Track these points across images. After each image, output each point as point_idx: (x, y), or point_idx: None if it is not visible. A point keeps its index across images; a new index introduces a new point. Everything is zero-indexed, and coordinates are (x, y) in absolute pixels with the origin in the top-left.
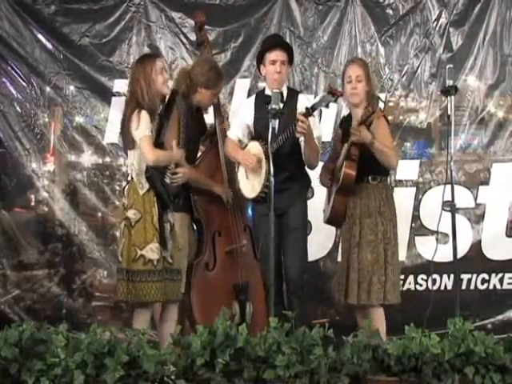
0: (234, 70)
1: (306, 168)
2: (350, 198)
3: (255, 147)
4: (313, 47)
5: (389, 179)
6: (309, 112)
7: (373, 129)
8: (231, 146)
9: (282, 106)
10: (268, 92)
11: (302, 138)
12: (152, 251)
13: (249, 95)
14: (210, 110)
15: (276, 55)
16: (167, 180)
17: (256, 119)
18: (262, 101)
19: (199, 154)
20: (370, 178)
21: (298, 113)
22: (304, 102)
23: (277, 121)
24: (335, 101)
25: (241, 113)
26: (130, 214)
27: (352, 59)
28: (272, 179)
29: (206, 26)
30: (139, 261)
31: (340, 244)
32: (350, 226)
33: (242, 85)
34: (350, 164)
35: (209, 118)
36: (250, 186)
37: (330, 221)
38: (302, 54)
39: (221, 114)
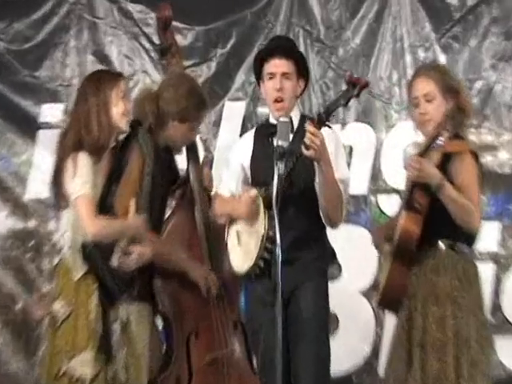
0: (221, 89)
1: (325, 226)
2: (412, 269)
3: (252, 194)
4: (339, 54)
5: (467, 248)
6: (322, 119)
7: (452, 168)
8: (219, 202)
9: (291, 138)
10: (273, 121)
11: (317, 179)
12: (83, 365)
13: (244, 126)
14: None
15: (274, 66)
16: (115, 262)
17: (255, 160)
18: (264, 134)
19: (167, 215)
20: (441, 242)
21: (307, 124)
22: (327, 135)
23: (282, 167)
24: (358, 94)
25: (235, 155)
26: (57, 306)
27: (417, 70)
28: (278, 239)
29: (177, 24)
30: (63, 379)
31: (392, 343)
32: (409, 312)
33: (233, 110)
34: (412, 217)
35: (183, 160)
36: (242, 253)
37: (382, 302)
38: (322, 64)
39: (197, 156)
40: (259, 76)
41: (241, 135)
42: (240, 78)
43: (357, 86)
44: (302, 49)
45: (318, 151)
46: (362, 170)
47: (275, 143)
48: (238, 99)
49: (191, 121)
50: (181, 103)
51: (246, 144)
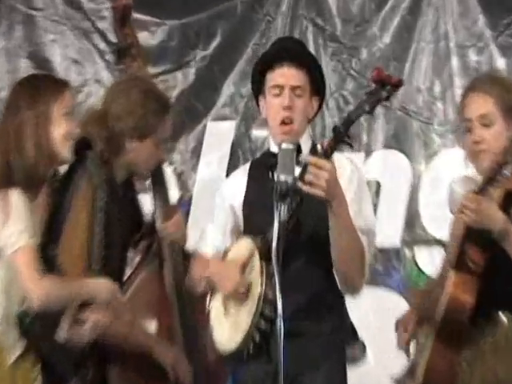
0: (202, 105)
1: (340, 290)
2: (462, 350)
3: (243, 247)
4: (361, 58)
5: None
6: (340, 133)
7: None
8: (200, 265)
9: (298, 175)
10: (274, 149)
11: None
12: None
13: (233, 154)
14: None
15: (282, 76)
16: (62, 335)
17: (249, 200)
18: (262, 167)
19: (128, 273)
20: (502, 314)
21: (308, 155)
22: (345, 166)
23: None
24: (388, 97)
25: (223, 195)
26: None
27: (471, 84)
28: (279, 304)
29: (141, 17)
30: None
31: None
32: None
33: (218, 133)
34: (463, 279)
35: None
36: (230, 325)
37: None
38: (339, 70)
39: (165, 192)
40: (259, 89)
41: (229, 167)
42: (228, 89)
43: (387, 86)
44: (309, 46)
45: (325, 189)
46: (393, 215)
47: (276, 180)
48: (224, 118)
49: (154, 133)
50: (135, 113)
51: (238, 181)
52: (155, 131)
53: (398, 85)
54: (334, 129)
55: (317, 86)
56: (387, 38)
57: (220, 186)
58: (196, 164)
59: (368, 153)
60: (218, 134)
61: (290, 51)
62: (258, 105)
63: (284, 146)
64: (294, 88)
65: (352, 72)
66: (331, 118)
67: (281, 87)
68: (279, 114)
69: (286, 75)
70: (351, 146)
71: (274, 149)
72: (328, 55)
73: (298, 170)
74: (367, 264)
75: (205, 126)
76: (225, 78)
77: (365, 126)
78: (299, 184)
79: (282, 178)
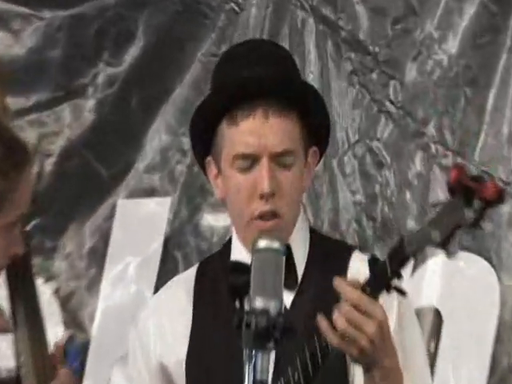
0: (107, 169)
1: None
2: None
3: None
4: (405, 79)
5: None
6: (385, 275)
7: None
8: None
9: (290, 302)
10: (241, 256)
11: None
12: None
13: (166, 258)
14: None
15: (254, 133)
16: None
17: (198, 349)
18: (218, 286)
19: None
20: None
21: (339, 281)
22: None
23: (271, 355)
24: (476, 223)
25: (147, 344)
26: None
27: None
28: None
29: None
30: None
31: None
32: None
33: (137, 218)
34: None
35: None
36: None
37: None
38: (365, 103)
39: (36, 320)
40: (205, 150)
41: (159, 281)
42: (156, 139)
43: (473, 200)
44: (311, 58)
45: (365, 350)
46: (468, 367)
47: (247, 310)
48: (150, 192)
49: (5, 208)
50: None
51: (175, 313)
52: (6, 204)
53: (495, 199)
54: (374, 263)
55: (315, 131)
56: (453, 44)
57: (139, 320)
58: (98, 276)
59: (419, 259)
60: (138, 219)
61: (268, 78)
62: (204, 173)
63: (263, 244)
64: (277, 156)
65: (388, 105)
66: (347, 190)
67: (253, 157)
68: (251, 204)
69: (261, 133)
70: (402, 294)
71: (242, 255)
72: (344, 74)
73: (289, 295)
74: None
75: (113, 207)
76: (150, 119)
77: None
78: (294, 321)
79: (259, 304)
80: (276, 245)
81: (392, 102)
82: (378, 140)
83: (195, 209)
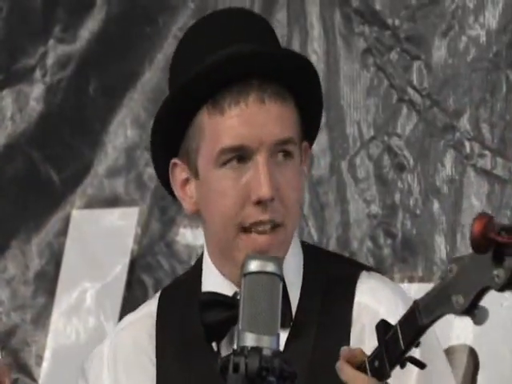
0: (57, 172)
1: None
2: None
3: None
4: (432, 63)
5: None
6: (399, 349)
7: None
8: None
9: (283, 342)
10: (213, 286)
11: None
12: None
13: (133, 284)
14: None
15: (247, 122)
16: None
17: None
18: (188, 324)
19: None
20: None
21: (341, 364)
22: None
23: None
24: (509, 286)
25: None
26: None
27: None
28: None
29: None
30: None
31: None
32: None
33: (96, 233)
34: None
35: None
36: None
37: None
38: (383, 91)
39: None
40: (171, 151)
41: (124, 311)
42: (120, 134)
43: (505, 261)
44: (314, 33)
45: None
46: None
47: (235, 349)
48: (112, 202)
49: None
50: None
51: (134, 360)
52: None
53: None
54: (383, 330)
55: (309, 121)
56: (493, 16)
57: (89, 370)
58: (47, 306)
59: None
60: (98, 235)
61: (261, 53)
62: (162, 182)
63: (254, 266)
64: (277, 148)
65: (411, 93)
66: (360, 199)
67: (245, 152)
68: (241, 211)
69: (255, 122)
70: (421, 366)
71: (217, 285)
72: (356, 53)
73: (281, 334)
74: None
75: (67, 219)
76: (113, 110)
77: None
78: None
79: (250, 341)
80: (271, 267)
81: (416, 89)
82: (399, 136)
83: (169, 222)
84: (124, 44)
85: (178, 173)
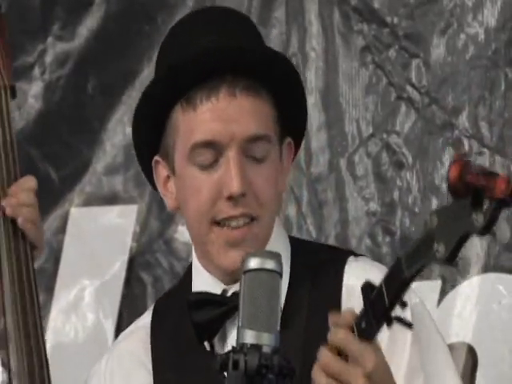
0: (55, 168)
1: None
2: None
3: None
4: (431, 59)
5: None
6: (377, 315)
7: None
8: None
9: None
10: (202, 286)
11: None
12: None
13: (131, 283)
14: None
15: (218, 118)
16: None
17: None
18: (182, 330)
19: None
20: None
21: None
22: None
23: None
24: (487, 229)
25: None
26: None
27: None
28: None
29: None
30: None
31: None
32: None
33: (94, 232)
34: None
35: None
36: None
37: None
38: (382, 87)
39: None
40: (152, 149)
41: (121, 315)
42: (118, 131)
43: (482, 204)
44: (312, 31)
45: None
46: None
47: (234, 346)
48: (111, 200)
49: None
50: None
51: (132, 371)
52: None
53: (509, 197)
54: (368, 290)
55: (290, 117)
56: (492, 14)
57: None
58: (46, 304)
59: (451, 282)
60: (96, 233)
61: (231, 48)
62: (150, 182)
63: (254, 263)
64: (249, 143)
65: (409, 90)
66: (359, 197)
67: (216, 148)
68: (214, 206)
69: (226, 117)
70: (407, 325)
71: (205, 284)
72: (354, 51)
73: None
74: None
75: (65, 217)
76: (111, 108)
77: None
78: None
79: (250, 339)
80: (270, 264)
81: (414, 87)
82: (398, 134)
83: (168, 220)
84: (123, 42)
85: (160, 170)
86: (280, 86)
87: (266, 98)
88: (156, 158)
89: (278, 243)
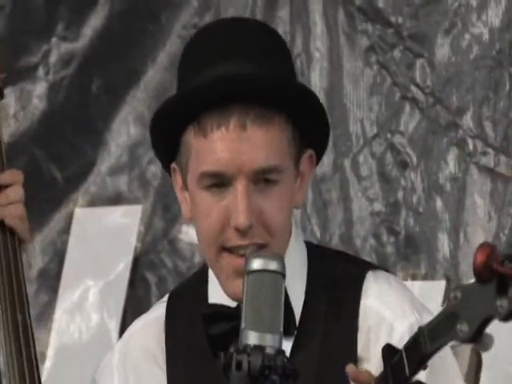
0: (59, 169)
1: None
2: None
3: None
4: (435, 60)
5: None
6: (397, 381)
7: None
8: None
9: (288, 351)
10: (218, 298)
11: None
12: None
13: (136, 284)
14: None
15: (227, 149)
16: None
17: None
18: (194, 332)
19: None
20: None
21: (351, 368)
22: (392, 323)
23: None
24: (509, 316)
25: None
26: None
27: None
28: None
29: None
30: None
31: None
32: None
33: (99, 232)
34: None
35: None
36: None
37: None
38: (386, 88)
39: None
40: (170, 156)
41: (126, 313)
42: (122, 132)
43: (508, 291)
44: (317, 31)
45: None
46: None
47: (238, 347)
48: (116, 200)
49: None
50: None
51: (144, 366)
52: None
53: None
54: (389, 353)
55: (311, 132)
56: (496, 14)
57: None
58: (50, 304)
59: (455, 283)
60: (101, 233)
61: (245, 76)
62: (168, 172)
63: (257, 264)
64: (258, 175)
65: (414, 90)
66: (363, 197)
67: (225, 177)
68: (223, 233)
69: (235, 148)
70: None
71: (221, 296)
72: (359, 51)
73: (285, 343)
74: None
75: (70, 217)
76: (116, 108)
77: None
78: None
79: (253, 340)
80: (273, 265)
81: (419, 87)
82: (402, 134)
83: (172, 220)
84: (127, 42)
85: (177, 177)
86: (297, 108)
87: (279, 123)
88: (173, 165)
89: (293, 258)
